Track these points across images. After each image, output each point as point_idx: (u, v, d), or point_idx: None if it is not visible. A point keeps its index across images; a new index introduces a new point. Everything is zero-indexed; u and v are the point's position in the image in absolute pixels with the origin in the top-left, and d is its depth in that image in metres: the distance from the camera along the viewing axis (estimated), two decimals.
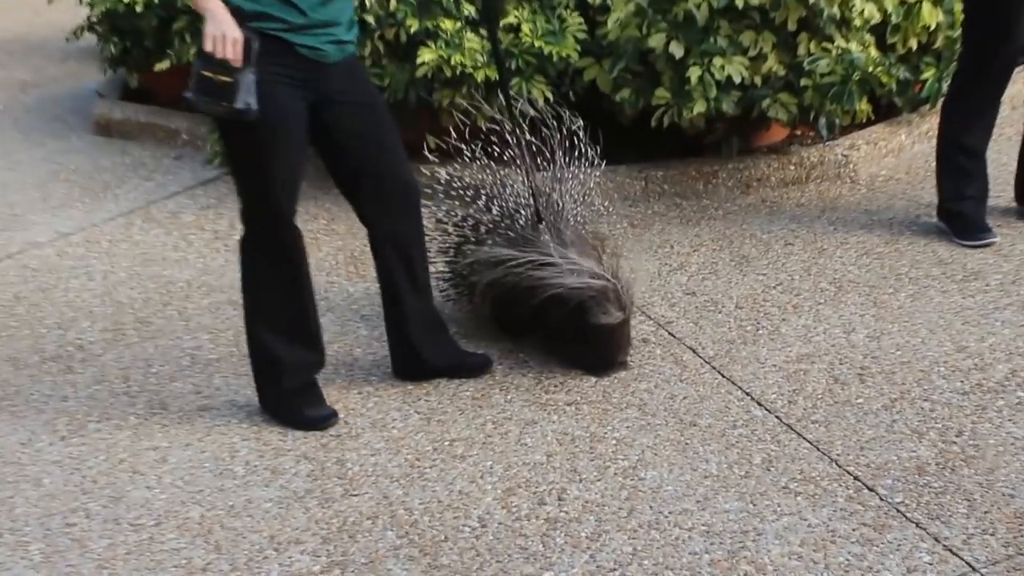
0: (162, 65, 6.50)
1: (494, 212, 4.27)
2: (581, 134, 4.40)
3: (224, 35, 3.39)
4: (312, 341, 3.94)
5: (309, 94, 3.64)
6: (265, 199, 3.69)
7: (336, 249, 5.22)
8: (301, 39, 3.55)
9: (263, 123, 3.51)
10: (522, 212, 4.19)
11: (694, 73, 5.24)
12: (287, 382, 3.92)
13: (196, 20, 4.06)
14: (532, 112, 4.51)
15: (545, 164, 4.33)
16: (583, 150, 4.39)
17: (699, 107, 5.25)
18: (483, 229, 4.27)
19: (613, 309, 4.00)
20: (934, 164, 5.42)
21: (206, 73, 3.47)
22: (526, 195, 4.20)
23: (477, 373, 4.16)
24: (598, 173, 4.42)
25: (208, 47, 3.41)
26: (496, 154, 4.37)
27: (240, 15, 3.48)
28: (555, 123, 4.37)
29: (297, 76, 3.59)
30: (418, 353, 4.10)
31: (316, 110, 3.68)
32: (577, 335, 4.08)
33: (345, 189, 3.91)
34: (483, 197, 4.32)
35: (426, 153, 4.66)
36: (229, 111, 3.47)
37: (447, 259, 4.45)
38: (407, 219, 3.94)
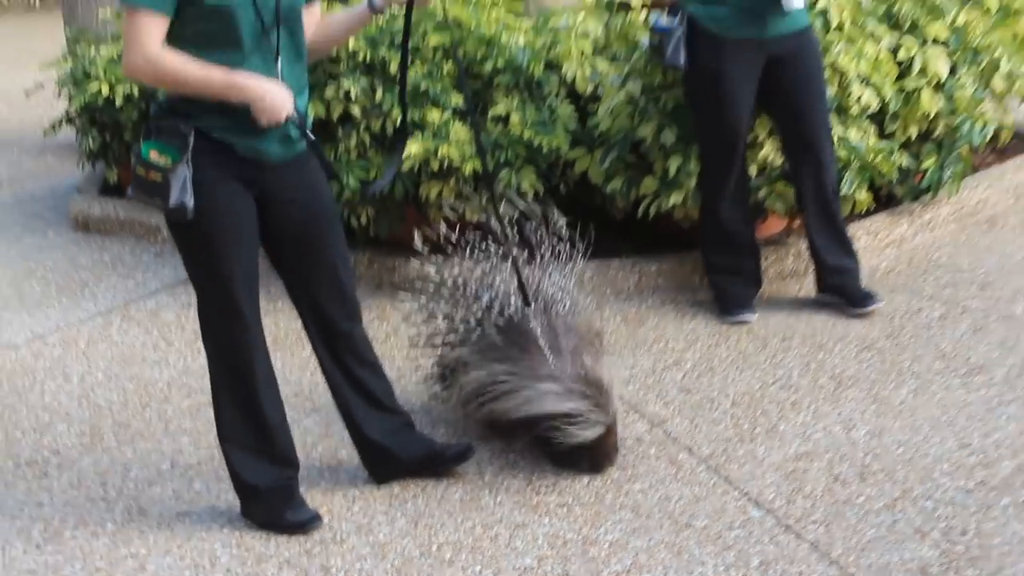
0: None
1: (483, 300, 4.36)
2: (565, 231, 4.52)
3: (276, 101, 3.52)
4: (278, 454, 3.97)
5: (255, 190, 3.72)
6: (220, 297, 3.76)
7: None
8: (241, 140, 3.64)
9: (208, 220, 3.61)
10: (512, 299, 4.28)
11: (673, 163, 5.37)
12: (264, 488, 3.98)
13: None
14: (519, 207, 4.61)
15: (531, 259, 4.42)
16: (567, 246, 4.49)
17: (674, 198, 5.37)
18: (472, 321, 4.34)
19: (592, 425, 4.08)
20: (937, 255, 5.55)
21: (139, 171, 3.58)
22: (515, 285, 4.29)
23: (459, 460, 4.21)
24: (578, 266, 4.50)
25: (275, 119, 3.53)
26: (485, 247, 4.47)
27: (179, 112, 3.59)
28: (542, 218, 4.48)
29: (241, 174, 3.68)
30: (386, 449, 4.15)
31: (260, 206, 3.76)
32: (562, 447, 4.16)
33: (286, 286, 3.98)
34: (472, 287, 4.41)
35: (416, 247, 4.72)
36: (164, 208, 3.57)
37: (435, 354, 4.54)
38: (348, 321, 4.00)
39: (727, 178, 5.18)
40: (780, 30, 4.98)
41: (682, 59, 5.00)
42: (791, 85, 5.06)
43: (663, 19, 5.06)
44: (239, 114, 3.58)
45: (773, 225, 5.80)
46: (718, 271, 5.35)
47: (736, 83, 5.01)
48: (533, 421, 4.08)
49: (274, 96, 3.52)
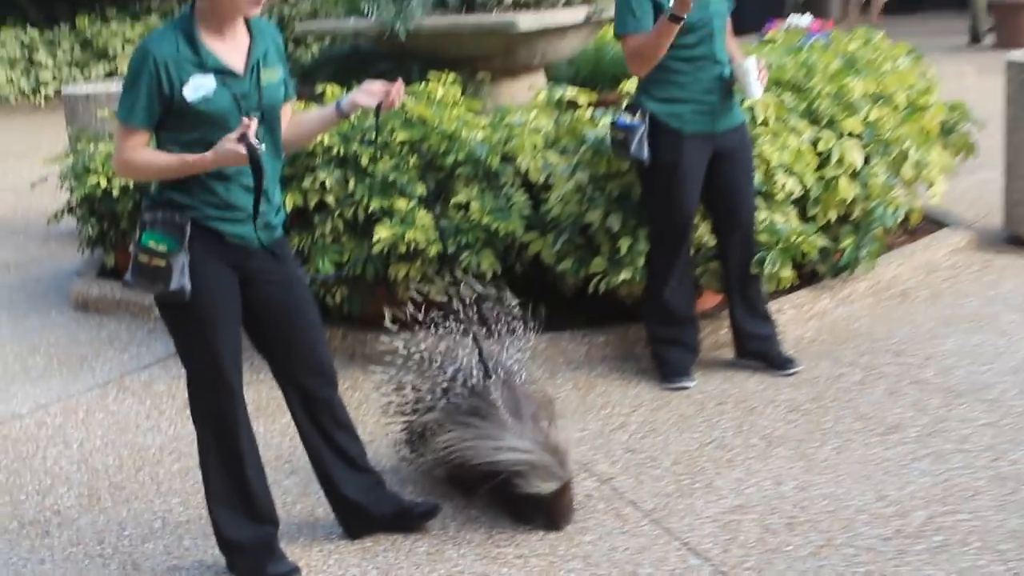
0: None
1: (448, 372, 4.38)
2: (518, 310, 4.58)
3: (230, 152, 3.51)
4: (260, 513, 3.97)
5: (239, 272, 3.77)
6: (208, 371, 3.79)
7: None
8: (229, 227, 3.70)
9: (198, 301, 3.65)
10: (474, 371, 4.31)
11: (624, 244, 5.43)
12: (247, 544, 3.97)
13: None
14: (476, 290, 4.66)
15: (489, 334, 4.47)
16: (521, 323, 4.55)
17: (624, 275, 5.44)
18: (438, 391, 4.37)
19: (551, 478, 4.10)
20: (855, 325, 5.62)
21: (141, 258, 3.61)
22: (476, 357, 4.33)
23: (427, 518, 4.22)
24: (530, 342, 4.55)
25: (240, 162, 3.55)
26: (448, 324, 4.51)
27: (174, 205, 3.64)
28: (498, 299, 4.55)
29: (228, 258, 3.72)
30: (361, 507, 4.15)
31: (243, 287, 3.81)
32: (521, 498, 4.18)
33: (268, 360, 4.01)
34: (438, 360, 4.44)
35: (386, 324, 4.75)
36: (164, 292, 3.61)
37: (404, 421, 4.55)
38: (326, 389, 4.03)
39: (676, 260, 5.25)
40: (726, 126, 5.11)
41: (646, 153, 5.07)
42: (727, 176, 5.15)
43: (625, 117, 5.13)
44: (226, 205, 3.65)
45: (708, 300, 5.86)
46: (660, 342, 5.40)
47: (691, 174, 5.09)
48: (498, 470, 4.08)
49: (221, 153, 3.54)
